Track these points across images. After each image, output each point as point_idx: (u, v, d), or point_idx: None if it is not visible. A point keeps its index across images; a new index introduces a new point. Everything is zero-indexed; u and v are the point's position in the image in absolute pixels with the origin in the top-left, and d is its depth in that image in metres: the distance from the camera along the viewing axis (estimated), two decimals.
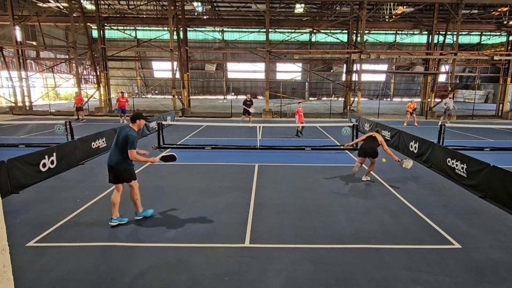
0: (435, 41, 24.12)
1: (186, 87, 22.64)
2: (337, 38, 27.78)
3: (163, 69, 38.91)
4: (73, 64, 27.07)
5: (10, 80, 22.77)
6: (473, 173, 7.04)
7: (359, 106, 21.91)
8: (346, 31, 26.57)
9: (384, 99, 40.74)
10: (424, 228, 5.19)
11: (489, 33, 34.89)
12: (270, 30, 20.93)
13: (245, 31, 36.38)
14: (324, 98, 35.14)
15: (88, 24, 23.42)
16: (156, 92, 41.52)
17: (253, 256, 4.34)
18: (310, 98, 37.56)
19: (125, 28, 34.78)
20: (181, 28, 22.26)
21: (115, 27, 32.61)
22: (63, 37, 33.66)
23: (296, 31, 32.38)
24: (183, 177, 7.82)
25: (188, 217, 5.49)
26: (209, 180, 7.54)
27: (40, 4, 25.61)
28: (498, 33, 32.72)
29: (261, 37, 35.15)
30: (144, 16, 29.80)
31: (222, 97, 40.29)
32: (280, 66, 38.90)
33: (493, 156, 9.87)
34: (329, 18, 28.26)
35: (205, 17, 30.80)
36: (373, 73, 38.93)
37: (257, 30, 33.38)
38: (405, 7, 25.44)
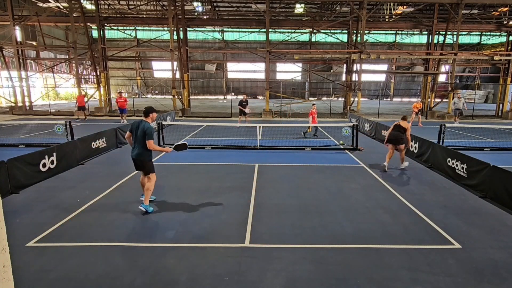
0: (435, 41, 24.14)
1: (186, 87, 22.65)
2: (337, 38, 27.74)
3: (163, 69, 38.87)
4: (73, 64, 27.10)
5: (10, 80, 22.76)
6: (473, 173, 7.04)
7: (359, 106, 21.90)
8: (346, 31, 26.55)
9: (384, 99, 40.72)
10: (424, 228, 5.18)
11: (489, 33, 34.86)
12: (270, 30, 20.92)
13: (245, 31, 36.37)
14: (324, 98, 35.16)
15: (88, 24, 23.42)
16: (156, 92, 41.50)
17: (253, 256, 4.34)
18: (310, 98, 37.55)
19: (125, 28, 34.76)
20: (181, 28, 22.27)
21: (115, 27, 32.59)
22: (63, 37, 33.67)
23: (296, 31, 32.34)
24: (183, 177, 7.82)
25: (188, 217, 5.48)
26: (209, 180, 7.53)
27: (40, 4, 25.62)
28: (498, 33, 32.71)
29: (261, 37, 35.13)
30: (144, 16, 29.78)
31: (222, 97, 40.27)
32: (280, 66, 38.89)
33: (493, 156, 9.88)
34: (329, 18, 28.23)
35: (205, 17, 30.78)
36: (373, 73, 38.90)
37: (257, 30, 33.37)
38: (405, 7, 25.42)
